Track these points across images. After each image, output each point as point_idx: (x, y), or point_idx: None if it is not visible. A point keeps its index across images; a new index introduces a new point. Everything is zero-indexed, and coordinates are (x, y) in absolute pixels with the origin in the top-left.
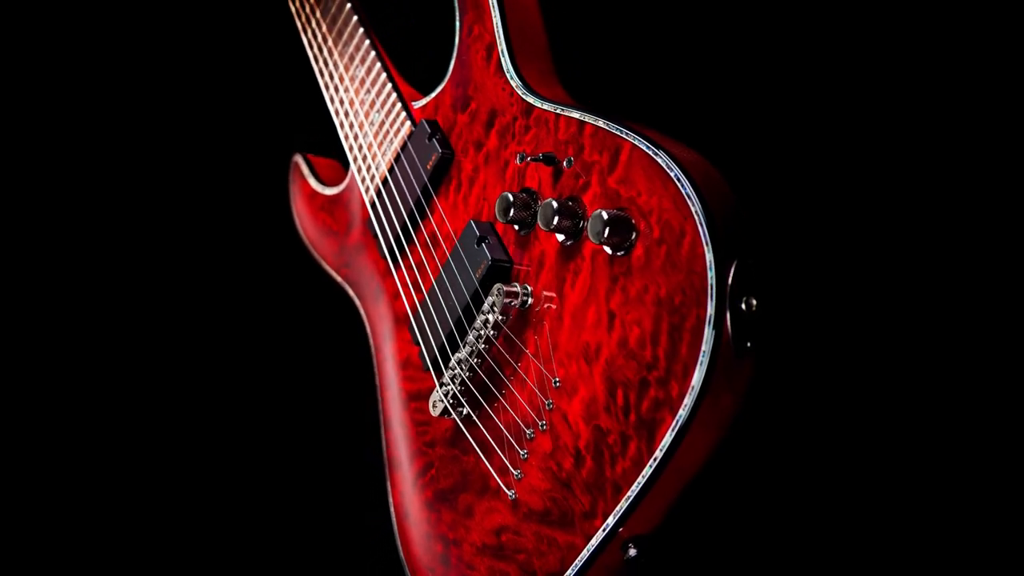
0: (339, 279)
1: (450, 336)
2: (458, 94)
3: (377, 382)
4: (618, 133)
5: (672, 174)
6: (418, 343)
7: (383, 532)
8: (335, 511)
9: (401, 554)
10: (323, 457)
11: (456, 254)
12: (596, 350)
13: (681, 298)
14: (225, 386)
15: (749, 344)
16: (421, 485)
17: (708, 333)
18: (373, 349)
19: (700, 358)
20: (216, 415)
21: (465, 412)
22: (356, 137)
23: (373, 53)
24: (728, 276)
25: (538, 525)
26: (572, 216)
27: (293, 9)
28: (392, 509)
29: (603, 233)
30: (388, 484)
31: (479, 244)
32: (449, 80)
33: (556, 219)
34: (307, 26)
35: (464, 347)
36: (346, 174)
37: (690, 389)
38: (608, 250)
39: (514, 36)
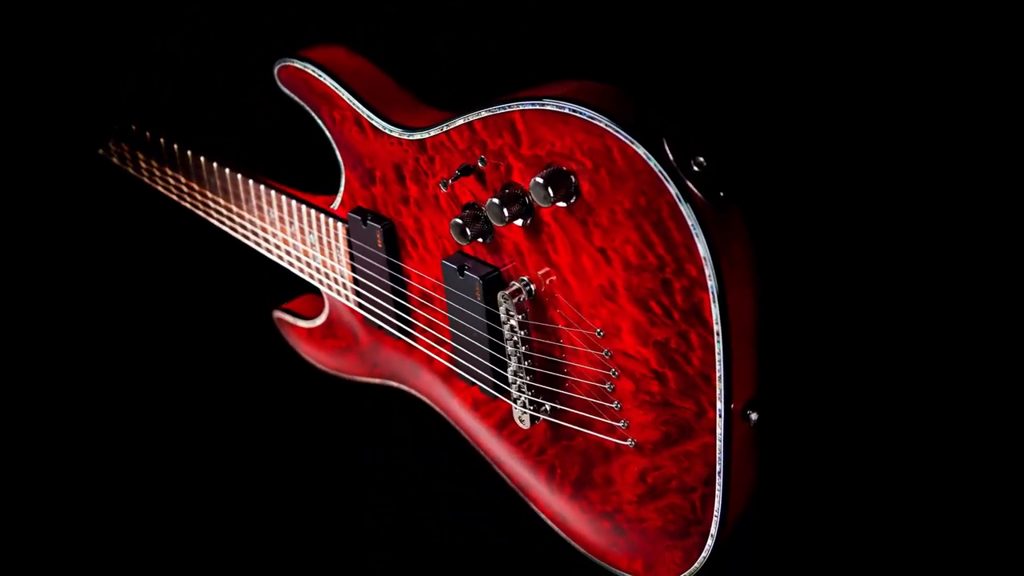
0: (379, 382)
1: (493, 359)
2: (360, 173)
3: (466, 436)
4: (502, 110)
5: (566, 111)
6: (473, 383)
7: (383, 531)
8: (335, 511)
9: (583, 551)
10: (323, 457)
11: (451, 294)
12: (611, 285)
13: (644, 198)
14: (226, 387)
15: (722, 193)
16: (557, 488)
17: (685, 209)
18: (443, 413)
19: (694, 231)
20: (216, 416)
21: (548, 407)
22: (308, 264)
23: (273, 192)
24: (667, 154)
25: (668, 450)
26: (515, 199)
27: (189, 205)
28: (551, 523)
29: (548, 194)
30: (532, 507)
31: (462, 274)
32: (345, 168)
33: (504, 211)
34: (208, 209)
35: (511, 359)
36: (322, 297)
37: (704, 261)
38: (562, 204)
39: (369, 98)
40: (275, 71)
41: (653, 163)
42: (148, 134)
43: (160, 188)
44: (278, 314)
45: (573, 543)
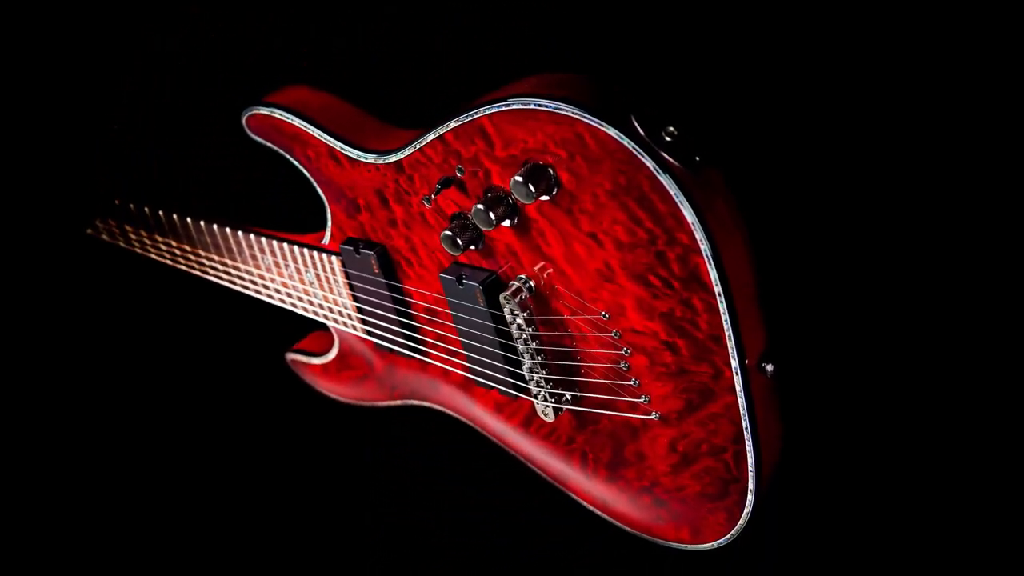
0: (401, 403)
1: (507, 360)
2: (344, 205)
3: (495, 440)
4: (469, 117)
5: (531, 107)
6: (492, 387)
7: (383, 531)
8: (335, 511)
9: (630, 530)
10: (324, 457)
11: (454, 305)
12: (608, 267)
13: (624, 176)
14: (226, 387)
15: (697, 158)
16: (592, 473)
17: (665, 180)
18: (468, 422)
19: (678, 200)
20: (217, 415)
21: (568, 397)
22: (311, 302)
23: (263, 239)
24: (637, 130)
25: (693, 416)
26: (499, 202)
27: (185, 267)
28: (592, 508)
29: (529, 191)
30: (572, 496)
31: (461, 283)
32: (328, 203)
33: (491, 215)
34: (204, 267)
35: (524, 356)
36: (330, 332)
37: (693, 227)
38: (545, 198)
39: (339, 131)
40: (243, 121)
41: (626, 141)
42: (132, 206)
43: (153, 256)
44: (291, 356)
45: (618, 523)
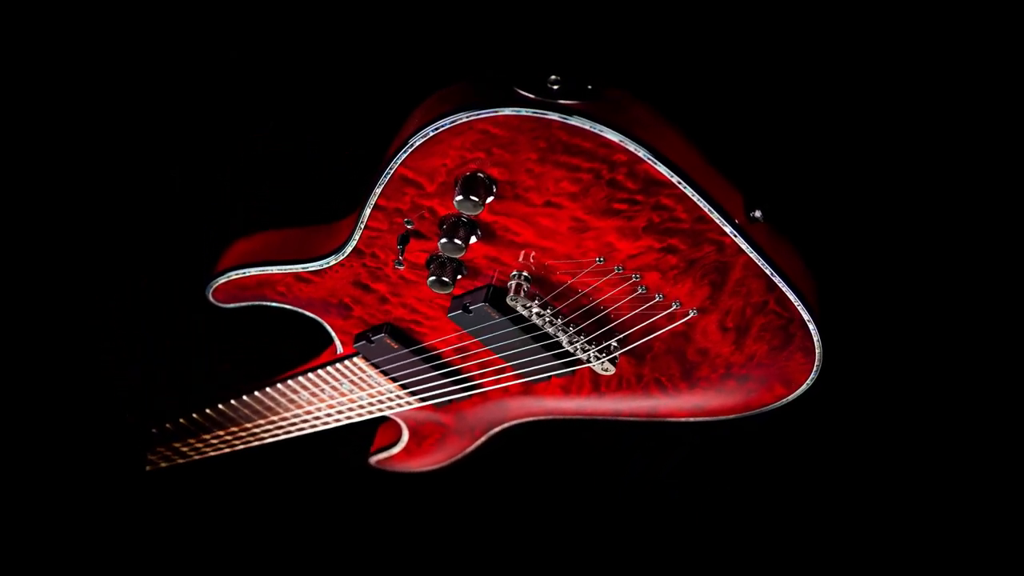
0: (485, 438)
1: (546, 347)
2: (335, 312)
3: (580, 418)
4: (388, 176)
5: (431, 134)
6: (549, 376)
7: (383, 531)
8: (336, 511)
9: (731, 417)
10: (324, 457)
11: (476, 332)
12: (577, 220)
13: (541, 140)
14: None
15: (590, 86)
16: (674, 392)
17: (576, 120)
18: (547, 417)
19: (596, 131)
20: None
21: (614, 344)
22: (360, 406)
23: (289, 381)
24: (527, 96)
25: (722, 292)
26: (456, 227)
27: (243, 445)
28: (691, 419)
29: (474, 201)
30: (669, 420)
31: (469, 311)
32: (322, 318)
33: (457, 241)
34: (258, 436)
35: (559, 335)
36: (393, 420)
37: (623, 142)
38: (490, 199)
39: (292, 256)
40: (210, 297)
41: (524, 112)
42: (168, 425)
43: (212, 453)
44: (374, 459)
45: (721, 418)
